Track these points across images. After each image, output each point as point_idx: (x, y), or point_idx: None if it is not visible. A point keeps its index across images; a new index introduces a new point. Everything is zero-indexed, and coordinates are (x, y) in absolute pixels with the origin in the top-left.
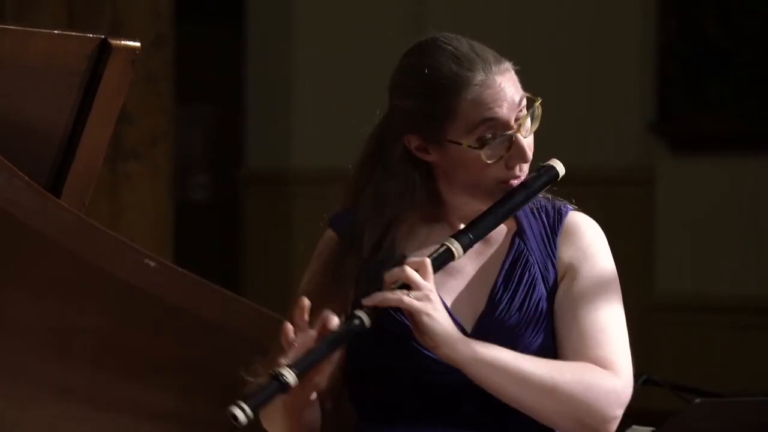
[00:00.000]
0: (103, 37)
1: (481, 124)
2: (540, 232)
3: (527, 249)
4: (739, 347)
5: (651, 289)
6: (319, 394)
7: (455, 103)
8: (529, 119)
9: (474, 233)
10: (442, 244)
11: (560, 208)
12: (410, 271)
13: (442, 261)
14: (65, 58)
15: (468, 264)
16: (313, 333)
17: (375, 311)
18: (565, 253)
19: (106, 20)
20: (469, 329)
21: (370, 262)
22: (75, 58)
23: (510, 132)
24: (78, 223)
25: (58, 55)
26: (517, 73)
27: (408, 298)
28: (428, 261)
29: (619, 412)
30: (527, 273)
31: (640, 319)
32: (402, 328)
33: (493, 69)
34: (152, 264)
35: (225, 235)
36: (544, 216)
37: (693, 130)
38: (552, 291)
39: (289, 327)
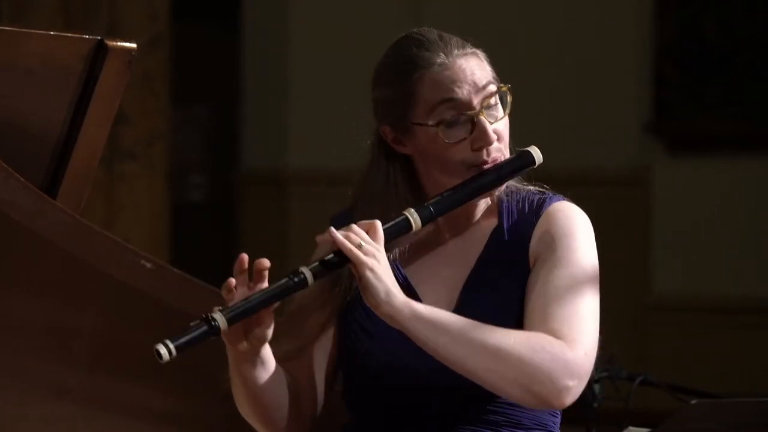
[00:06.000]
0: (99, 38)
1: (439, 104)
2: (517, 224)
3: (501, 246)
4: (736, 348)
5: (647, 290)
6: (288, 371)
7: (414, 84)
8: (499, 105)
9: (436, 207)
10: (401, 213)
11: (546, 199)
12: (357, 228)
13: (398, 229)
14: (61, 58)
15: (445, 260)
16: (250, 286)
17: (319, 272)
18: (538, 236)
19: (102, 21)
20: None
21: None
22: (71, 58)
23: (471, 113)
24: (74, 224)
25: (55, 56)
26: (492, 62)
27: (355, 249)
28: (378, 223)
29: (571, 383)
30: (499, 274)
31: (636, 320)
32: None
33: (454, 52)
34: (148, 265)
35: (221, 236)
36: (527, 206)
37: (690, 131)
38: (524, 283)
39: (231, 281)
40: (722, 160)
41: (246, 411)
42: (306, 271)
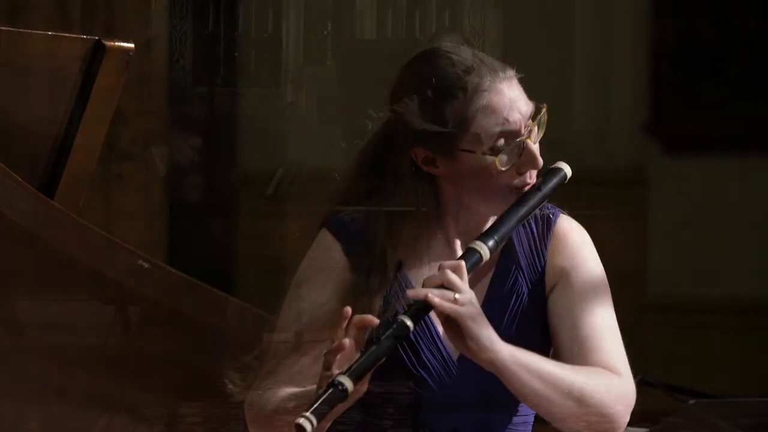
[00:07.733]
0: (97, 38)
1: (497, 133)
2: (529, 244)
3: (515, 266)
4: (733, 348)
5: (644, 290)
6: None
7: (467, 112)
8: (536, 126)
9: (498, 235)
10: (469, 248)
11: (549, 216)
12: (452, 275)
13: (473, 264)
14: (59, 59)
15: None
16: (348, 341)
17: (417, 316)
18: (555, 262)
19: (100, 21)
20: (455, 355)
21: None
22: (69, 59)
23: (521, 138)
24: (72, 225)
25: (53, 57)
26: (521, 81)
27: (454, 306)
28: (463, 264)
29: (628, 418)
30: (515, 295)
31: (633, 320)
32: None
33: (499, 75)
34: (146, 265)
35: (219, 236)
36: (533, 224)
37: (686, 132)
38: (542, 304)
39: (344, 342)
40: (719, 161)
41: None
42: (406, 319)
